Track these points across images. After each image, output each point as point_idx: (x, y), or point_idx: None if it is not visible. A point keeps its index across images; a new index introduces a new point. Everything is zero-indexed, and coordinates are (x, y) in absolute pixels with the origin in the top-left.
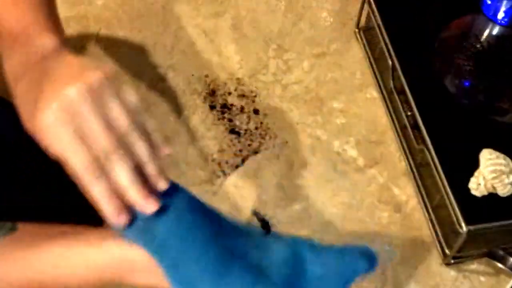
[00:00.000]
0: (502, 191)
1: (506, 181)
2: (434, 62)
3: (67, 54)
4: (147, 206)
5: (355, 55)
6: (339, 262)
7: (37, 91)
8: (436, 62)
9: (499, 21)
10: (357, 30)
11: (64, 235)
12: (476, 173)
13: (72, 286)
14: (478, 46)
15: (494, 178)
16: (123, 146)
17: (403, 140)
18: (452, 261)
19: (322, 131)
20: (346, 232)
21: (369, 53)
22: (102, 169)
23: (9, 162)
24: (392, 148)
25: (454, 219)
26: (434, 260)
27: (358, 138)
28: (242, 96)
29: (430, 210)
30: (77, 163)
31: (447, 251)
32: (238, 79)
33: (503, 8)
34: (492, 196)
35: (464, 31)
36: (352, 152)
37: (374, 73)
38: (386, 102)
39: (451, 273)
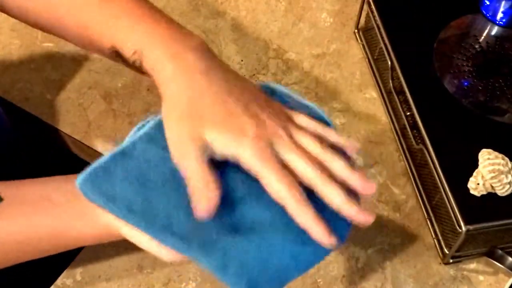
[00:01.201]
0: (501, 191)
1: (505, 180)
2: (433, 62)
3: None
4: (365, 218)
5: (355, 56)
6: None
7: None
8: (435, 62)
9: (498, 22)
10: (356, 30)
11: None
12: (475, 173)
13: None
14: (477, 46)
15: (493, 177)
16: (323, 168)
17: (402, 140)
18: (451, 261)
19: None
20: None
21: (369, 53)
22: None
23: (6, 162)
24: (391, 148)
25: (453, 218)
26: (433, 259)
27: (358, 138)
28: None
29: (429, 210)
30: (285, 194)
31: (446, 250)
32: None
33: (501, 9)
34: (491, 196)
35: (463, 32)
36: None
37: (374, 73)
38: (385, 102)
39: (450, 272)
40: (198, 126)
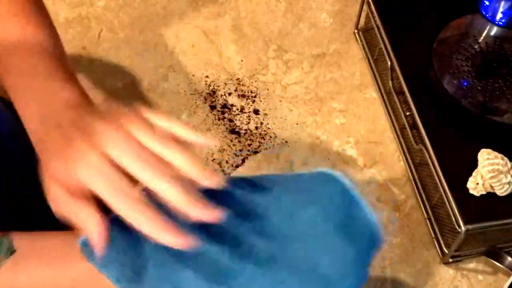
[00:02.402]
0: (500, 191)
1: (504, 180)
2: (432, 62)
3: (92, 105)
4: (208, 213)
5: (355, 56)
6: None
7: (67, 141)
8: (435, 63)
9: (497, 22)
10: (356, 31)
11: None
12: (474, 173)
13: None
14: (476, 46)
15: (492, 177)
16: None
17: (402, 140)
18: (451, 260)
19: (322, 131)
20: None
21: (368, 53)
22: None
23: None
24: (391, 148)
25: (453, 218)
26: (433, 259)
27: (358, 138)
28: (242, 96)
29: (429, 209)
30: (119, 207)
31: (445, 250)
32: (238, 79)
33: (501, 9)
34: (490, 196)
35: (462, 32)
36: (351, 152)
37: (373, 73)
38: (385, 102)
39: (450, 271)
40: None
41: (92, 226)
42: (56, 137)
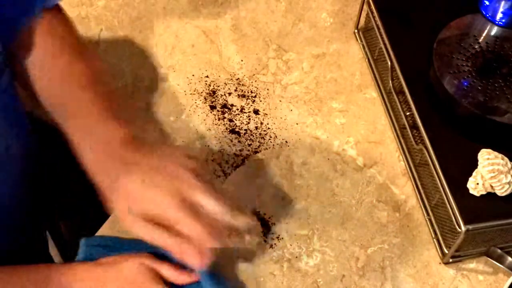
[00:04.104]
0: (500, 191)
1: (504, 180)
2: (432, 62)
3: (145, 146)
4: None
5: (355, 56)
6: None
7: (148, 183)
8: (435, 62)
9: (497, 22)
10: (356, 30)
11: None
12: (474, 173)
13: None
14: (476, 46)
15: (492, 177)
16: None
17: (402, 140)
18: (451, 260)
19: (322, 131)
20: (345, 231)
21: (368, 53)
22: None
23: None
24: (391, 148)
25: (453, 218)
26: (433, 259)
27: (358, 138)
28: (242, 96)
29: (429, 210)
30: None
31: (445, 250)
32: (238, 79)
33: (501, 9)
34: (490, 196)
35: (462, 32)
36: (351, 152)
37: (373, 73)
38: (385, 102)
39: (450, 272)
40: None
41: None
42: (124, 176)
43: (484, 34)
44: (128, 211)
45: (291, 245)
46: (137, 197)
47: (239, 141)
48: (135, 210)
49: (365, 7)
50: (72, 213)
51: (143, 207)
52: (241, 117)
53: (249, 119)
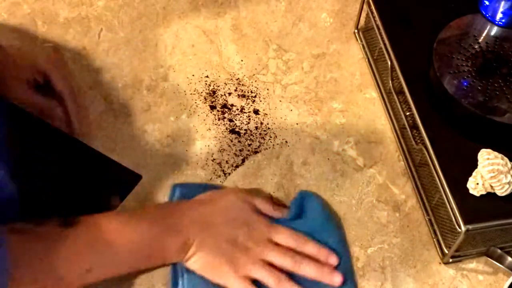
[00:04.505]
0: (500, 191)
1: (504, 180)
2: (432, 62)
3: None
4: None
5: (355, 56)
6: None
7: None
8: (435, 62)
9: (497, 22)
10: (356, 30)
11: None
12: (474, 173)
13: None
14: (476, 46)
15: (492, 177)
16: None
17: (402, 140)
18: (451, 260)
19: (322, 131)
20: (345, 231)
21: (368, 53)
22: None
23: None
24: (391, 148)
25: (453, 218)
26: (433, 259)
27: (358, 138)
28: (242, 96)
29: (429, 210)
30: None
31: (445, 250)
32: (238, 79)
33: (501, 9)
34: (490, 196)
35: (462, 32)
36: (351, 152)
37: (373, 73)
38: (385, 102)
39: (450, 272)
40: None
41: None
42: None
43: (484, 34)
44: None
45: None
46: None
47: (239, 141)
48: None
49: (365, 7)
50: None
51: None
52: (241, 117)
53: (249, 119)
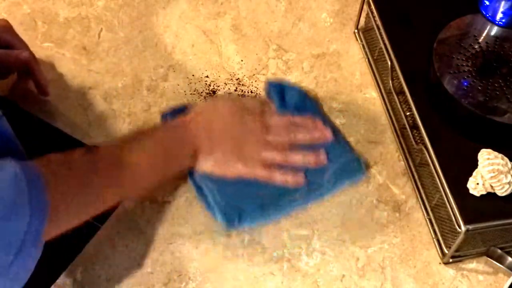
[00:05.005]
0: (500, 191)
1: (504, 180)
2: (433, 62)
3: None
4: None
5: (355, 56)
6: None
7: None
8: (435, 62)
9: (498, 22)
10: (356, 30)
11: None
12: (474, 173)
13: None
14: (476, 46)
15: (492, 177)
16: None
17: (402, 140)
18: (451, 260)
19: None
20: (345, 231)
21: (368, 53)
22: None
23: None
24: (391, 148)
25: (453, 218)
26: (433, 259)
27: (358, 138)
28: (242, 96)
29: (429, 210)
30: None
31: (445, 250)
32: (238, 79)
33: (501, 9)
34: (490, 196)
35: (462, 32)
36: None
37: (374, 73)
38: (385, 102)
39: (450, 272)
40: None
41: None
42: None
43: (484, 34)
44: None
45: (291, 245)
46: None
47: None
48: None
49: (365, 7)
50: None
51: None
52: None
53: None
